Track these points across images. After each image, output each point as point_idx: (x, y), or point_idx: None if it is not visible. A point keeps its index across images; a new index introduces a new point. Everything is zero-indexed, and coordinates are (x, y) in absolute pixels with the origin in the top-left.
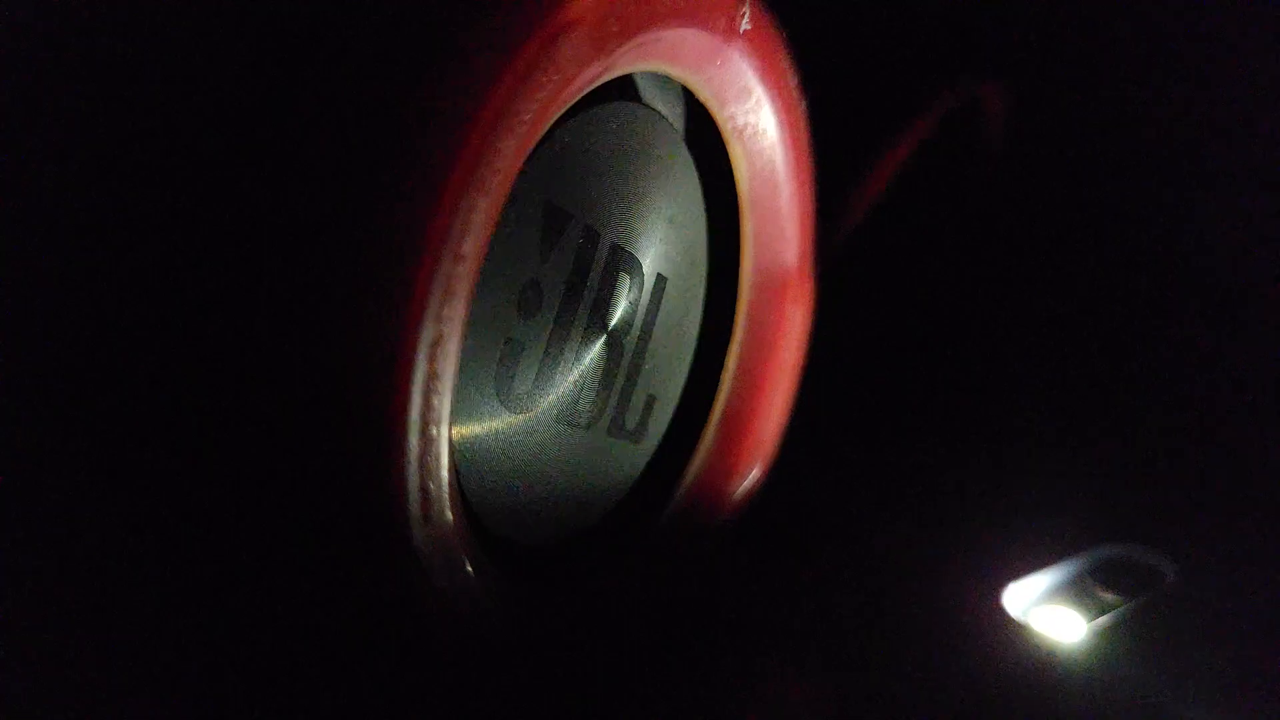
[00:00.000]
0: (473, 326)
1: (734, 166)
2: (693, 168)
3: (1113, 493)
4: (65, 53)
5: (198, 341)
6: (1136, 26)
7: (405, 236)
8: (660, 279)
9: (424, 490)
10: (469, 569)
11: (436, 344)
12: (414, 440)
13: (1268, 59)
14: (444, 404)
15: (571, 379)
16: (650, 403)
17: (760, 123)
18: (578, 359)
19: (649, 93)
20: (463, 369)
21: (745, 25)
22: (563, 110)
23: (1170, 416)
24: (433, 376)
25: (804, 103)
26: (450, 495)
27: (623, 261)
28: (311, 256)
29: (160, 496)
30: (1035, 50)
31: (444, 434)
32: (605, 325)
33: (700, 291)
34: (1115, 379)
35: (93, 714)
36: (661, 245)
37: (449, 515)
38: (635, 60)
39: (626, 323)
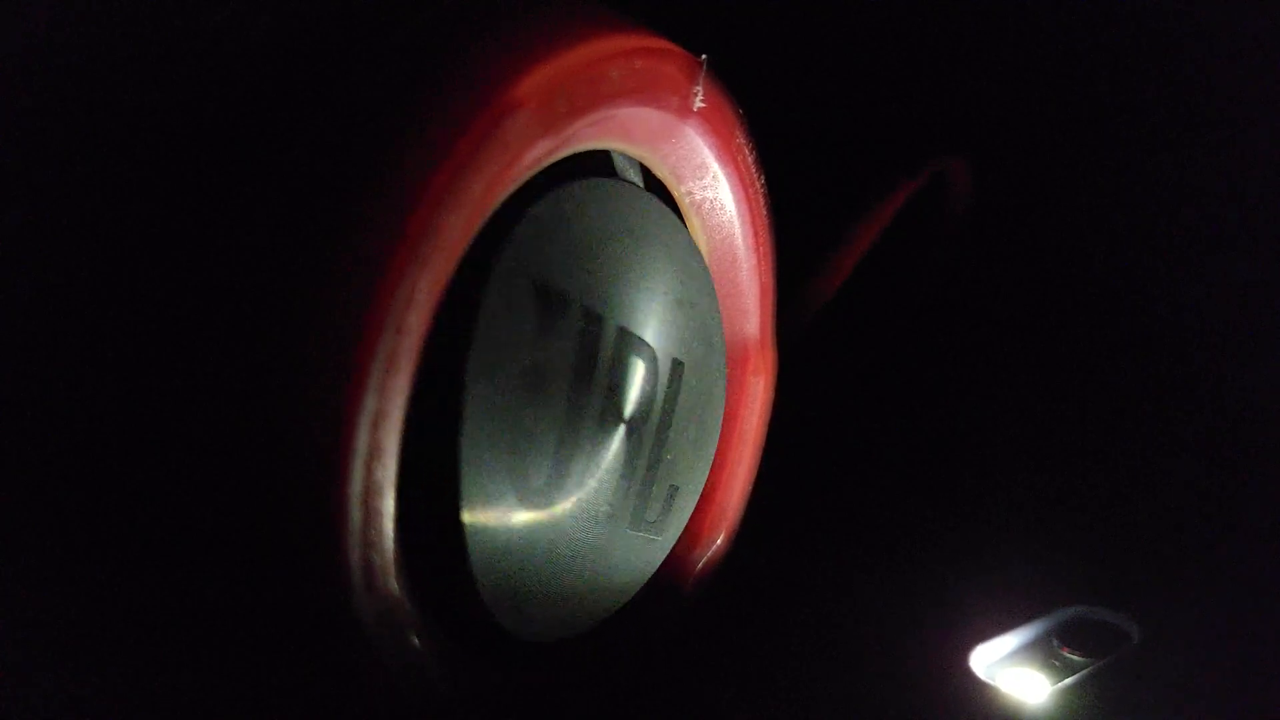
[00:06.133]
0: (477, 412)
1: (694, 241)
2: (698, 251)
3: (1079, 555)
4: None
5: (137, 419)
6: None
7: (347, 310)
8: (677, 364)
9: (366, 562)
10: (415, 641)
11: (379, 417)
12: (355, 513)
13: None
14: (388, 477)
15: (591, 472)
16: (673, 492)
17: (718, 198)
18: (595, 451)
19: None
20: (474, 458)
21: (699, 104)
22: (513, 188)
23: (1137, 483)
24: (375, 449)
25: (763, 178)
26: (398, 568)
27: (632, 346)
28: (254, 328)
29: (112, 565)
30: (1001, 121)
31: (389, 507)
32: (621, 414)
33: (722, 375)
34: (1084, 445)
35: None
36: (673, 329)
37: (394, 587)
38: (589, 138)
39: (644, 411)
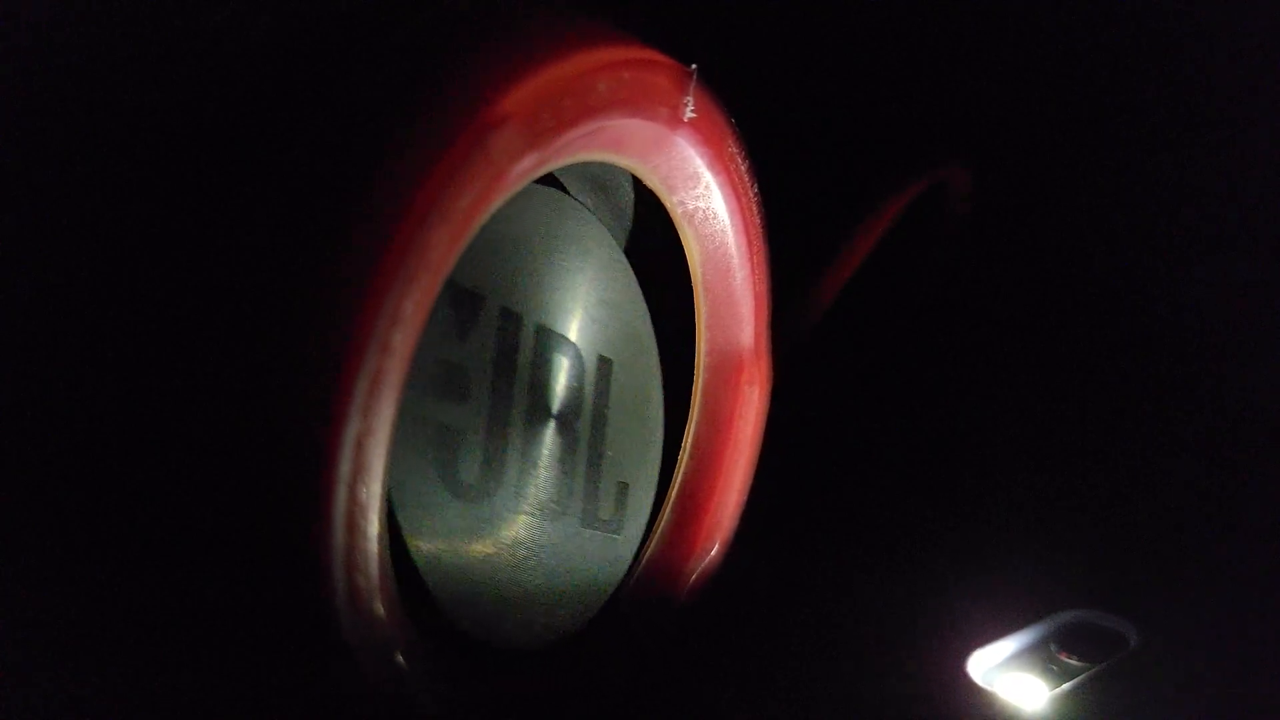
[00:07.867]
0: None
1: (686, 251)
2: (623, 257)
3: (1079, 555)
4: None
5: (133, 424)
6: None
7: (330, 329)
8: (604, 360)
9: (351, 583)
10: (400, 660)
11: (363, 437)
12: (340, 534)
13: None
14: (373, 498)
15: (526, 468)
16: (623, 490)
17: (710, 207)
18: (525, 445)
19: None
20: (397, 461)
21: (690, 114)
22: (500, 201)
23: (1137, 483)
24: (359, 470)
25: (755, 187)
26: (382, 588)
27: (552, 343)
28: (239, 347)
29: (111, 566)
30: (1000, 128)
31: (373, 528)
32: (548, 409)
33: (656, 374)
34: (1084, 445)
35: None
36: (596, 326)
37: (380, 608)
38: (578, 150)
39: (574, 407)
